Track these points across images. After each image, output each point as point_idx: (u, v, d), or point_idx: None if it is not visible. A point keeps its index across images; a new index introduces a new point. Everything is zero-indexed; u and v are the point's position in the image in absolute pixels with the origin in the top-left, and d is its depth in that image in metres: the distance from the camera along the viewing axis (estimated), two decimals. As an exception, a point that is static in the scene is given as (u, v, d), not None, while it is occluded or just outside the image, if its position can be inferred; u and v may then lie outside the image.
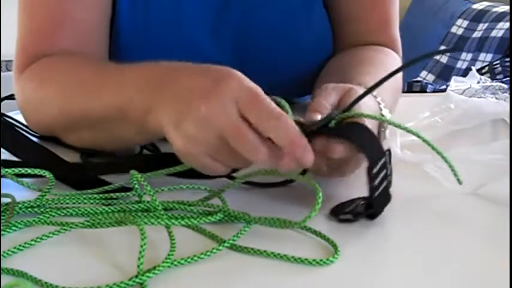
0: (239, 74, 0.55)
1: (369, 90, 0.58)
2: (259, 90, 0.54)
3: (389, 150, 0.57)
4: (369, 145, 0.56)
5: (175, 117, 0.55)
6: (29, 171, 0.59)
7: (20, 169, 0.60)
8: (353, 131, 0.56)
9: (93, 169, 0.67)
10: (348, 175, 0.60)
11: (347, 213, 0.55)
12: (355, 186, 0.59)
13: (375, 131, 0.61)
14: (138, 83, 0.61)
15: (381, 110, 0.65)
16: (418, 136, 0.59)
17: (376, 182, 0.55)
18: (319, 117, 0.57)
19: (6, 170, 0.59)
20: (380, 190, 0.56)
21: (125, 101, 0.61)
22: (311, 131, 0.55)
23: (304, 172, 0.60)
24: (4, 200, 0.57)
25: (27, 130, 0.79)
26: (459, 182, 0.58)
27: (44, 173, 0.59)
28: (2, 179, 0.60)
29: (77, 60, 0.75)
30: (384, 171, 0.56)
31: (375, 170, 0.55)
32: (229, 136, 0.53)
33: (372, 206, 0.55)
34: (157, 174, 0.61)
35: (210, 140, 0.53)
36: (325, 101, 0.59)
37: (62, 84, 0.71)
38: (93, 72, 0.70)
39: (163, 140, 0.59)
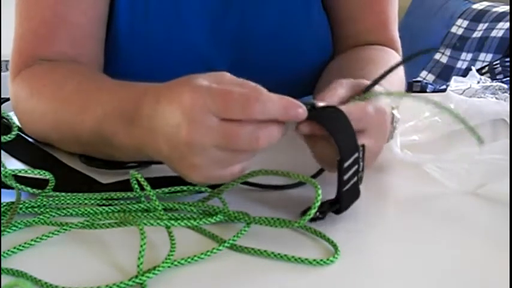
0: (193, 80, 0.54)
1: (383, 75, 0.58)
2: (216, 87, 0.53)
3: (363, 146, 0.56)
4: (343, 137, 0.55)
5: (168, 155, 0.55)
6: (29, 171, 0.59)
7: (20, 169, 0.60)
8: (331, 120, 0.55)
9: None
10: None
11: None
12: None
13: (388, 126, 0.61)
14: (115, 114, 0.61)
15: (392, 109, 0.64)
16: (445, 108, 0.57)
17: (346, 176, 0.54)
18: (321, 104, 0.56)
19: (6, 171, 0.59)
20: (349, 185, 0.55)
21: (110, 134, 0.62)
22: None
23: (317, 174, 0.60)
24: (7, 198, 0.58)
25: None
26: (480, 141, 0.55)
27: (45, 173, 0.59)
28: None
29: (67, 73, 0.73)
30: (356, 166, 0.55)
31: (346, 164, 0.54)
32: (222, 144, 0.52)
33: (338, 201, 0.55)
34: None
35: (214, 156, 0.53)
36: (336, 94, 0.59)
37: (51, 100, 0.70)
38: (79, 90, 0.69)
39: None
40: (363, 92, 0.58)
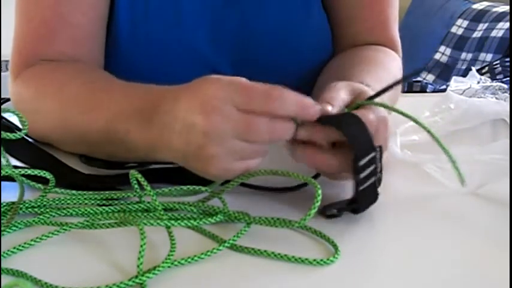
0: (212, 76, 0.56)
1: (384, 90, 0.59)
2: (239, 80, 0.55)
3: (380, 147, 0.56)
4: (357, 136, 0.55)
5: (184, 151, 0.56)
6: (29, 172, 0.59)
7: (20, 170, 0.60)
8: (344, 120, 0.56)
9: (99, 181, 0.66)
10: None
11: (332, 208, 0.55)
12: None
13: (388, 133, 0.61)
14: (130, 112, 0.61)
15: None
16: (429, 132, 0.58)
17: (362, 175, 0.54)
18: (330, 108, 0.57)
19: (7, 170, 0.59)
20: (366, 185, 0.55)
21: (123, 132, 0.61)
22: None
23: (316, 176, 0.60)
24: (8, 198, 0.58)
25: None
26: (462, 181, 0.58)
27: (45, 173, 0.59)
28: (2, 181, 0.60)
29: (72, 72, 0.74)
30: (373, 166, 0.55)
31: (362, 163, 0.54)
32: (241, 133, 0.53)
33: (356, 200, 0.55)
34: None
35: (232, 146, 0.54)
36: (338, 97, 0.59)
37: (56, 99, 0.70)
38: (87, 88, 0.69)
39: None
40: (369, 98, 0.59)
